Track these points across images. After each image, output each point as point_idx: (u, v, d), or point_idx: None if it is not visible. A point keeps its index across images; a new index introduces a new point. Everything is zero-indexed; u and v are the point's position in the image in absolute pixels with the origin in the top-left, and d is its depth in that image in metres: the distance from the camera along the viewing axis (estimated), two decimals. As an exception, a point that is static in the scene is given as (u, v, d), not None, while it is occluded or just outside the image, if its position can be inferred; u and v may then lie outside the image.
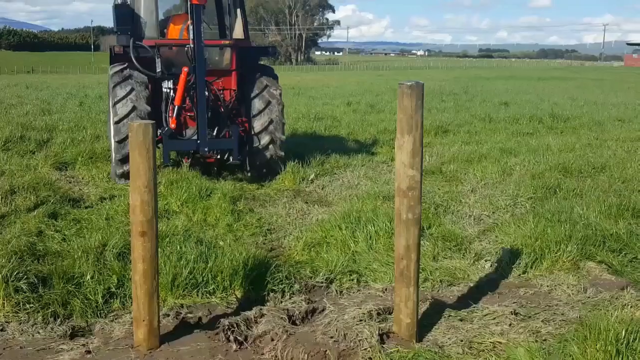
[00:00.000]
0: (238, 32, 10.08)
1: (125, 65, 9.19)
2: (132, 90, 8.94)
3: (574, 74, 64.46)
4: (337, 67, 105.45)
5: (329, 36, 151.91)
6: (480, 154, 11.39)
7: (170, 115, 9.08)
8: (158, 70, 9.20)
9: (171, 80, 9.21)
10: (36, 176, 8.78)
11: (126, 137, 8.41)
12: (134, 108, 8.82)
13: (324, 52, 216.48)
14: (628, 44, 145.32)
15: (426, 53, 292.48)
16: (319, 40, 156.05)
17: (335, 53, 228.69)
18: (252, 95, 9.50)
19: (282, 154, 9.69)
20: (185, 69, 8.84)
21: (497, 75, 57.33)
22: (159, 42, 9.47)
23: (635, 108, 22.17)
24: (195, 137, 8.85)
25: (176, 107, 8.96)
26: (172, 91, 9.17)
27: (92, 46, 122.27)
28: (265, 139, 9.42)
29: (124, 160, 8.68)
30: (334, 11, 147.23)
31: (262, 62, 10.91)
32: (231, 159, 9.19)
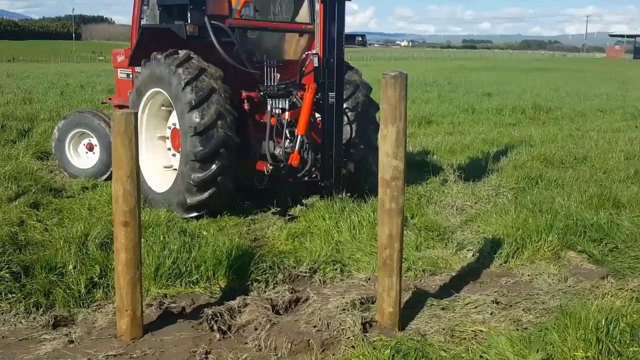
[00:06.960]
0: (303, 15, 7.95)
1: (188, 53, 6.86)
2: (213, 90, 6.66)
3: (556, 65, 64.84)
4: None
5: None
6: (463, 144, 11.48)
7: (273, 143, 6.90)
8: (270, 83, 6.84)
9: (285, 99, 6.86)
10: (17, 166, 8.70)
11: (214, 154, 6.60)
12: (219, 115, 6.63)
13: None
14: (610, 35, 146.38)
15: (410, 44, 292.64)
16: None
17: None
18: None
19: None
20: (313, 86, 6.72)
21: (481, 66, 57.49)
22: (254, 23, 7.23)
23: (617, 99, 22.38)
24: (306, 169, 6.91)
25: (299, 137, 6.75)
26: (283, 112, 6.90)
27: (74, 35, 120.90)
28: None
29: (205, 185, 6.66)
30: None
31: None
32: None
